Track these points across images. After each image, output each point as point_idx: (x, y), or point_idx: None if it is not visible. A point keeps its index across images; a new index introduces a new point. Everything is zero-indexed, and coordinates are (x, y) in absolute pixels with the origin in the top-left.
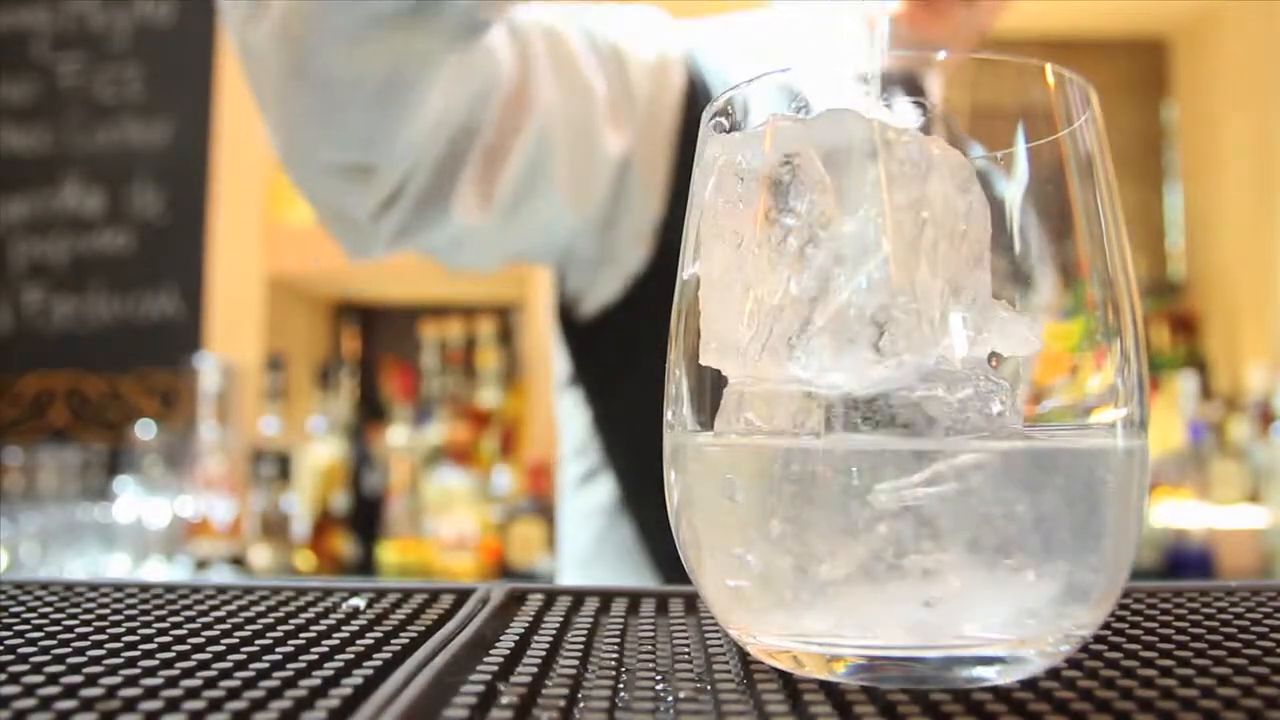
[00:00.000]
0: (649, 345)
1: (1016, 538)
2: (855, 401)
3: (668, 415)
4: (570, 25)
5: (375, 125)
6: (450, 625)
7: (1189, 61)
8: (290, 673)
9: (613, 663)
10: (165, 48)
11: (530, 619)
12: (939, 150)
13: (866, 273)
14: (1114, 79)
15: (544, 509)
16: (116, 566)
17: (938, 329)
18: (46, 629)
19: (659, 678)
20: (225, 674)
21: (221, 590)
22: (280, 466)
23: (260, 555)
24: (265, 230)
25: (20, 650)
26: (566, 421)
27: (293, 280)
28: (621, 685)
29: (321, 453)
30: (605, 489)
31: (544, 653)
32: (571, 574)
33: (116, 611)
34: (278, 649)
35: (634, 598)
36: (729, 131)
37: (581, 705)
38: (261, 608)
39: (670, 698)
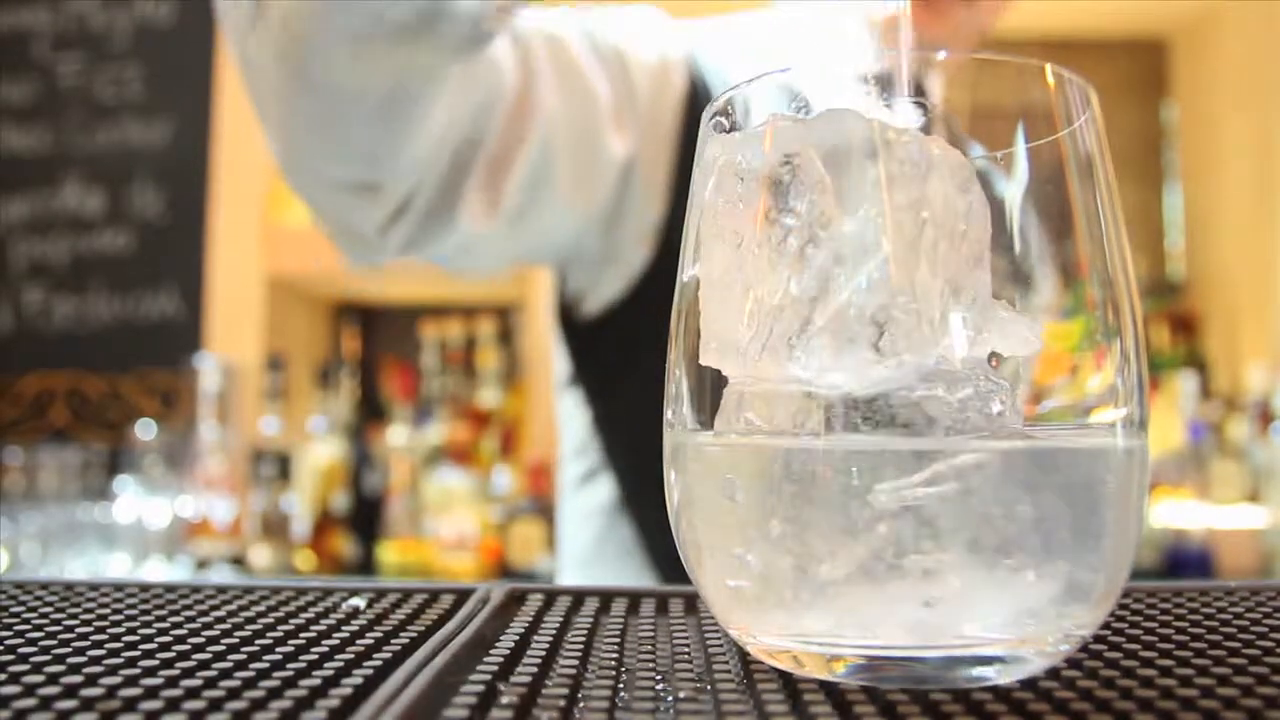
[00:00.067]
0: (649, 345)
1: (1016, 538)
2: (855, 401)
3: (668, 415)
4: (571, 29)
5: (378, 140)
6: (450, 625)
7: (1189, 61)
8: (290, 673)
9: (613, 663)
10: (165, 48)
11: (530, 619)
12: (939, 150)
13: (866, 273)
14: (1114, 79)
15: (544, 509)
16: (117, 566)
17: (938, 329)
18: (47, 629)
19: (659, 678)
20: (225, 674)
21: (221, 590)
22: (280, 466)
23: (260, 555)
24: (265, 230)
25: (20, 650)
26: (566, 421)
27: (293, 280)
28: (621, 685)
29: (321, 453)
30: (605, 489)
31: (544, 653)
32: (571, 574)
33: (116, 611)
34: (278, 649)
35: (634, 598)
36: (729, 131)
37: (581, 705)
38: (261, 608)
39: (670, 698)
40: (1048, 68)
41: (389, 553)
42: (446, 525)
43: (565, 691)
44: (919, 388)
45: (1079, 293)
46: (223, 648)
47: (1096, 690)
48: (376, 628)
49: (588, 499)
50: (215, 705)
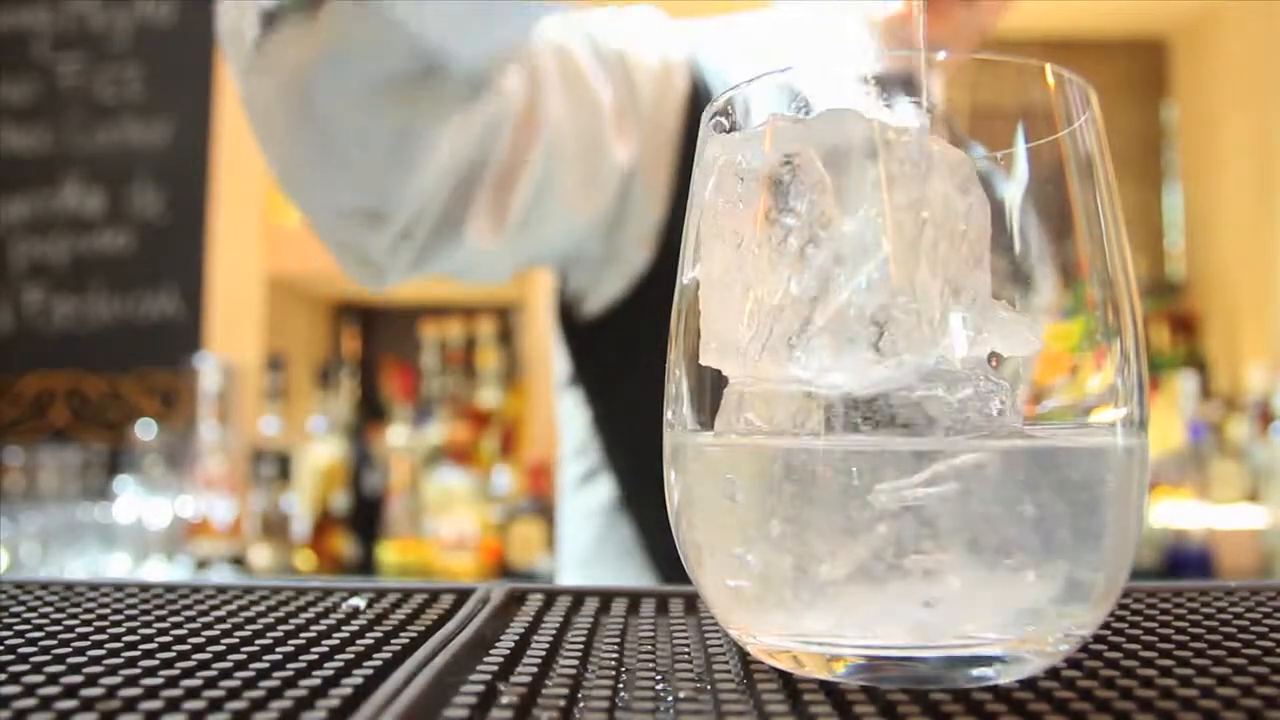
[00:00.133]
0: (650, 345)
1: (1016, 538)
2: (855, 401)
3: (668, 415)
4: (574, 36)
5: (384, 177)
6: (450, 625)
7: (1189, 61)
8: (290, 673)
9: (613, 663)
10: (165, 48)
11: (530, 619)
12: (939, 150)
13: (866, 273)
14: (1114, 79)
15: (544, 509)
16: (117, 566)
17: (938, 329)
18: (47, 629)
19: (659, 678)
20: (225, 674)
21: (221, 590)
22: (280, 466)
23: (260, 555)
24: (265, 230)
25: (20, 650)
26: (566, 421)
27: (293, 280)
28: (621, 685)
29: (321, 453)
30: (605, 489)
31: (544, 653)
32: (571, 574)
33: (116, 611)
34: (278, 649)
35: (634, 598)
36: (729, 131)
37: (581, 705)
38: (261, 608)
39: (670, 698)
40: (1048, 68)
41: (389, 553)
42: (446, 525)
43: (565, 691)
44: (919, 388)
45: (1079, 293)
46: (223, 648)
47: (1096, 690)
48: (376, 628)
49: (588, 499)
50: (215, 705)
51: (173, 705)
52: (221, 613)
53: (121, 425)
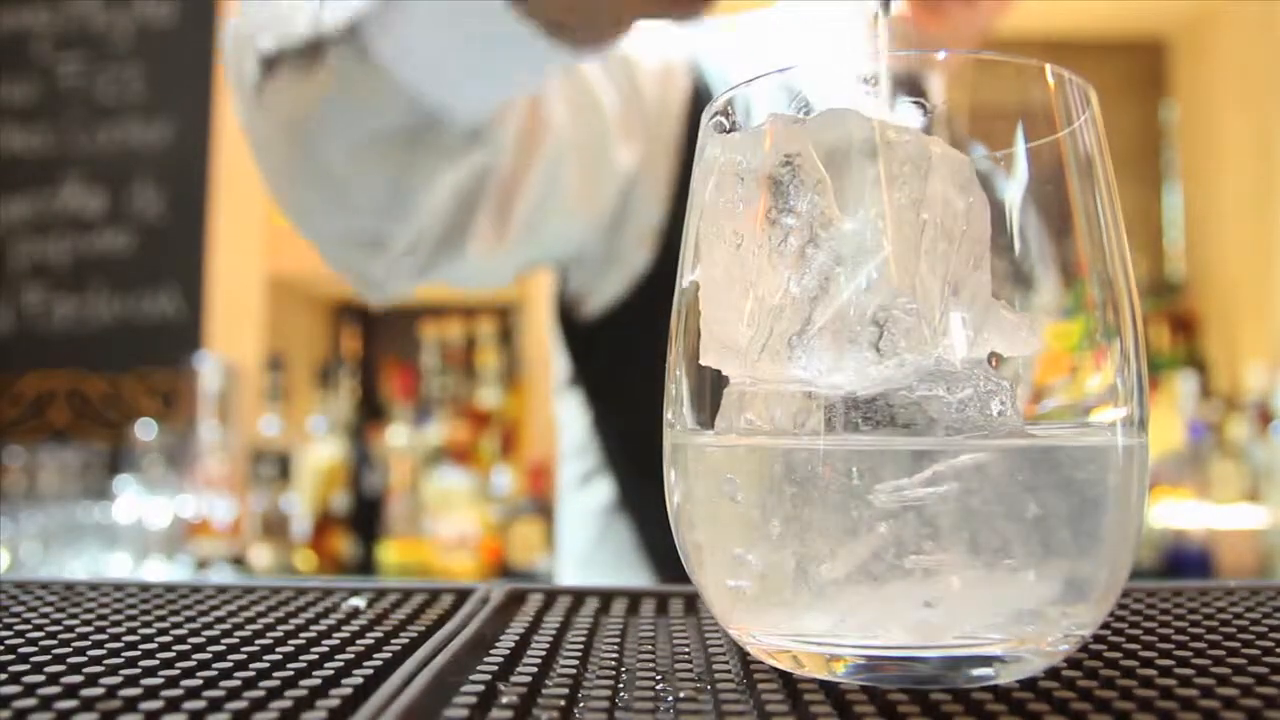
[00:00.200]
0: (650, 346)
1: (1017, 538)
2: (855, 401)
3: (668, 415)
4: None
5: (384, 213)
6: (450, 625)
7: (1188, 61)
8: (290, 673)
9: (613, 663)
10: (166, 48)
11: (530, 619)
12: (939, 150)
13: (866, 273)
14: (1114, 79)
15: (544, 509)
16: (117, 566)
17: (938, 329)
18: (47, 629)
19: (659, 678)
20: (225, 674)
21: (221, 590)
22: (280, 466)
23: (260, 555)
24: (265, 230)
25: (20, 650)
26: (566, 422)
27: (293, 280)
28: (621, 685)
29: (321, 453)
30: (605, 489)
31: (544, 653)
32: (571, 574)
33: (117, 611)
34: (278, 649)
35: (634, 598)
36: (729, 131)
37: (581, 705)
38: (261, 608)
39: (670, 698)
40: (1048, 68)
41: (389, 553)
42: (446, 525)
43: (565, 691)
44: (919, 388)
45: (1079, 293)
46: (223, 648)
47: (1096, 690)
48: (376, 628)
49: (587, 499)
50: (215, 705)
51: (173, 705)
52: (221, 613)
53: (121, 425)
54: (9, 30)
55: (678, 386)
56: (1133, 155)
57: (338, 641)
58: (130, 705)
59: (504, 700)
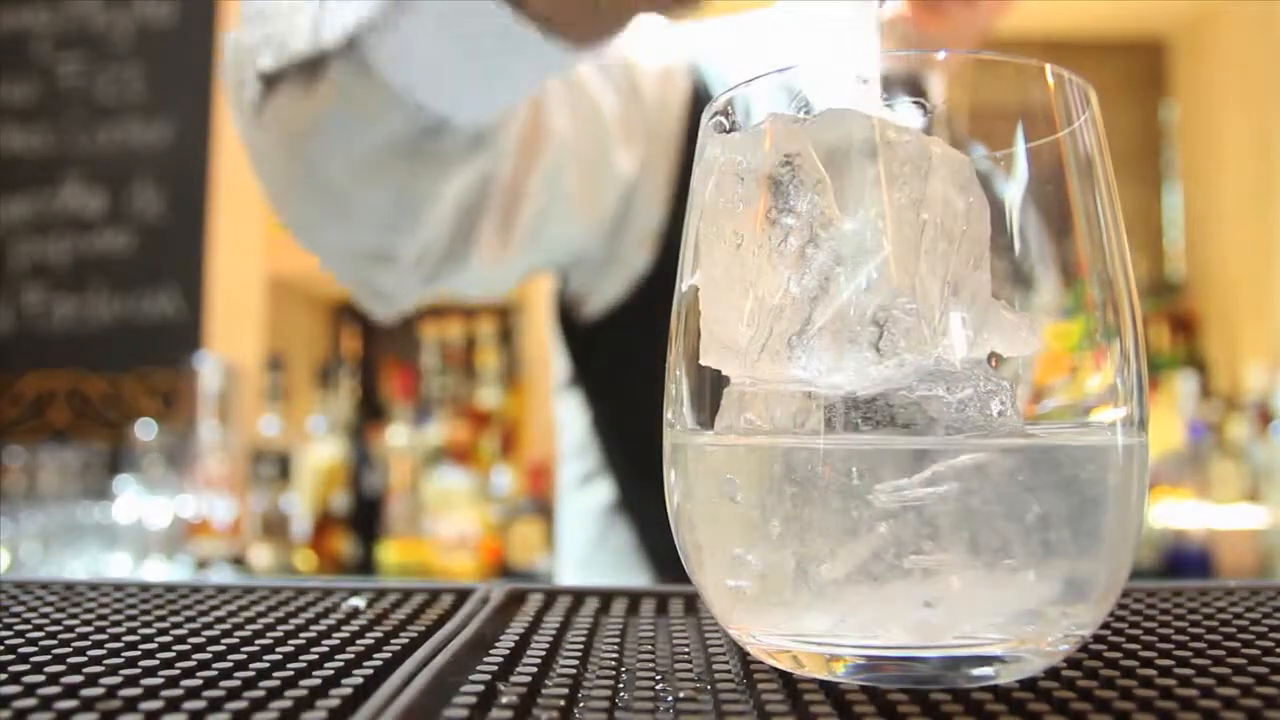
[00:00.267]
0: (650, 346)
1: (1016, 537)
2: (855, 401)
3: (668, 415)
4: None
5: (389, 225)
6: (450, 625)
7: (1188, 61)
8: (290, 673)
9: (613, 663)
10: (166, 48)
11: (530, 619)
12: (939, 150)
13: (866, 273)
14: (1114, 79)
15: (544, 509)
16: (117, 566)
17: (938, 329)
18: (47, 629)
19: (659, 678)
20: (225, 674)
21: (221, 590)
22: (280, 466)
23: (260, 555)
24: (265, 230)
25: (20, 650)
26: (566, 422)
27: (293, 280)
28: (621, 685)
29: (321, 453)
30: (605, 489)
31: (544, 653)
32: (571, 574)
33: (116, 611)
34: (278, 649)
35: (634, 598)
36: (729, 131)
37: (581, 705)
38: (261, 608)
39: (670, 698)
40: (1048, 68)
41: (389, 553)
42: (446, 525)
43: (565, 691)
44: (919, 388)
45: (1079, 293)
46: (223, 648)
47: (1096, 690)
48: (376, 628)
49: (587, 499)
50: (215, 705)
51: (173, 705)
52: (221, 613)
53: (121, 425)
54: (9, 30)
55: (678, 386)
56: (1133, 155)
57: (338, 641)
58: (130, 705)
59: (504, 700)
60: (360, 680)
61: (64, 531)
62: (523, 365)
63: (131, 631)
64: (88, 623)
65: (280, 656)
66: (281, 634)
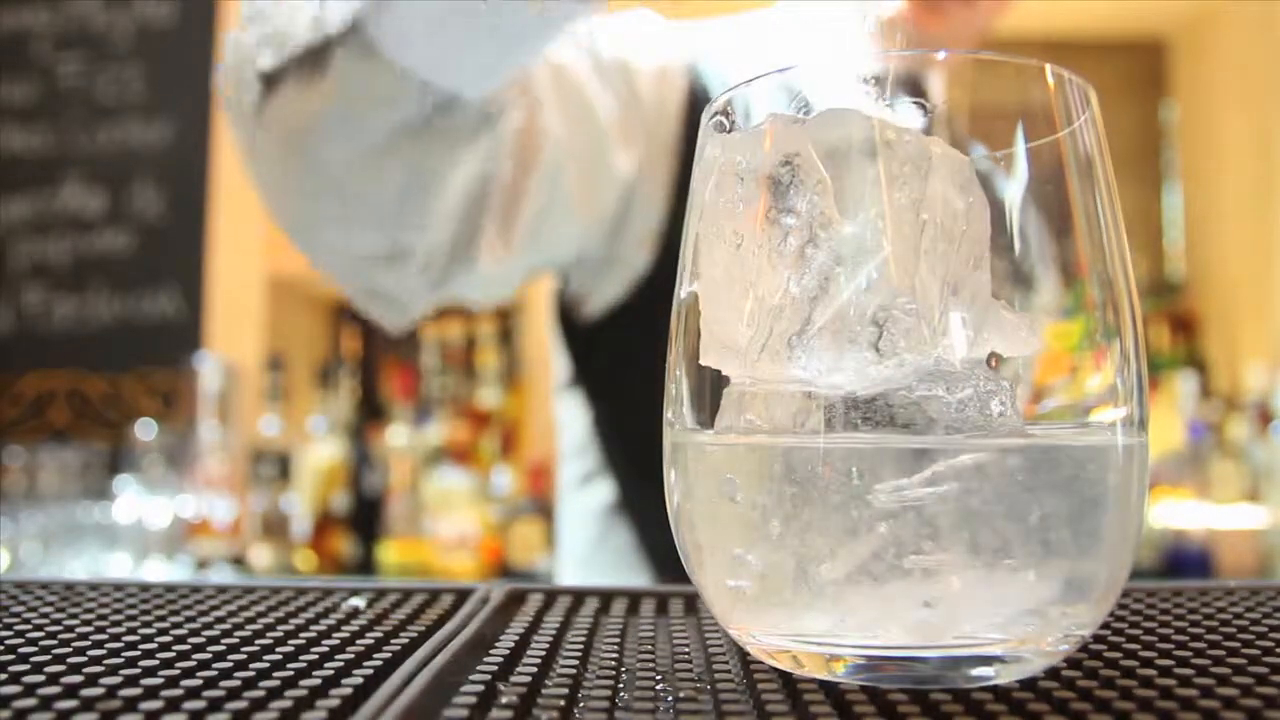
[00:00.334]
0: (650, 346)
1: (1016, 537)
2: (855, 401)
3: (668, 415)
4: (572, 52)
5: (400, 216)
6: (450, 625)
7: (1188, 61)
8: (290, 673)
9: (613, 663)
10: (166, 48)
11: (530, 619)
12: (939, 150)
13: (866, 273)
14: (1114, 79)
15: (544, 509)
16: (117, 566)
17: (937, 329)
18: (47, 629)
19: (659, 678)
20: (225, 674)
21: (221, 590)
22: (280, 466)
23: (260, 555)
24: (265, 230)
25: (20, 650)
26: (566, 422)
27: (293, 280)
28: (621, 685)
29: (321, 453)
30: (605, 489)
31: (544, 653)
32: (571, 574)
33: (116, 611)
34: (278, 649)
35: (634, 598)
36: (729, 131)
37: (581, 705)
38: (261, 608)
39: (670, 698)
40: (1048, 68)
41: (389, 553)
42: (446, 525)
43: (565, 691)
44: (919, 388)
45: (1079, 293)
46: (223, 648)
47: (1096, 690)
48: (376, 628)
49: (588, 499)
50: (215, 705)
51: (173, 705)
52: (221, 613)
53: (121, 425)
54: (9, 30)
55: (678, 386)
56: (1133, 155)
57: (338, 641)
58: (130, 705)
59: (504, 700)
60: (360, 680)
61: (64, 531)
62: (523, 365)
63: (131, 631)
64: (88, 623)
65: (280, 656)
66: (281, 634)
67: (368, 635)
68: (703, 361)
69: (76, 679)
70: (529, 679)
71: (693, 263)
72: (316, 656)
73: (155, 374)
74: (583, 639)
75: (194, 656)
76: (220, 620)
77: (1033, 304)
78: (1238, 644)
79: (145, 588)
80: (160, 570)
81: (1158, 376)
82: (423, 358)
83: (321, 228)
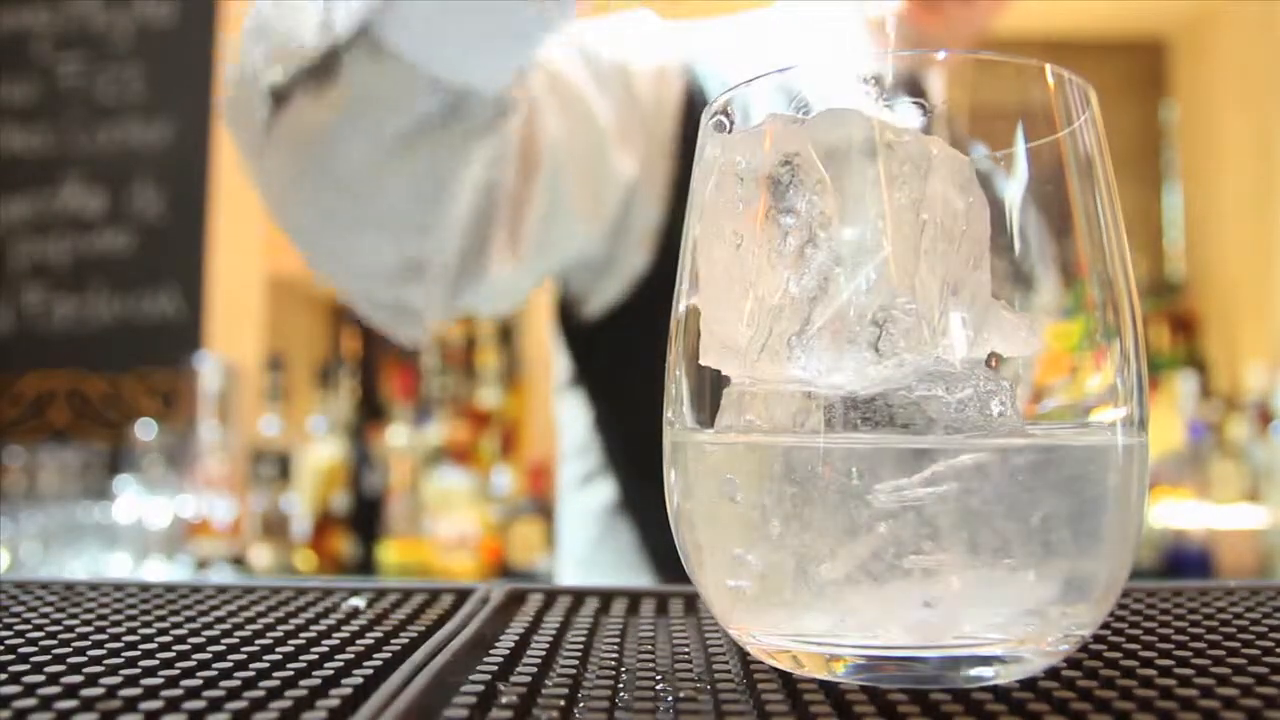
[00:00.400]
0: (650, 346)
1: (1016, 537)
2: (855, 401)
3: (668, 415)
4: (569, 57)
5: (415, 221)
6: (450, 625)
7: (1188, 61)
8: (290, 673)
9: (613, 663)
10: (166, 48)
11: (530, 619)
12: (939, 150)
13: (866, 273)
14: (1114, 79)
15: (544, 509)
16: (117, 566)
17: (937, 329)
18: (47, 629)
19: (659, 678)
20: (225, 674)
21: (221, 590)
22: (280, 466)
23: (260, 555)
24: (265, 230)
25: (21, 650)
26: (567, 422)
27: (293, 280)
28: (621, 685)
29: (321, 453)
30: (605, 489)
31: (544, 653)
32: (571, 574)
33: (117, 611)
34: (278, 649)
35: (634, 598)
36: (728, 131)
37: (581, 705)
38: (261, 608)
39: (670, 698)
40: (1048, 68)
41: (389, 553)
42: (446, 525)
43: (565, 691)
44: (919, 388)
45: (1079, 293)
46: (223, 648)
47: (1096, 690)
48: (376, 628)
49: (588, 499)
50: (215, 705)
51: (173, 705)
52: (221, 613)
53: (121, 425)
54: (9, 30)
55: (678, 386)
56: (1133, 155)
57: (338, 641)
58: (130, 705)
59: (504, 700)
60: (360, 680)
61: (64, 531)
62: (523, 365)
63: (131, 631)
64: (88, 623)
65: (280, 656)
66: (281, 634)
67: (368, 635)
68: (703, 361)
69: (76, 679)
70: (529, 679)
71: (692, 263)
72: (316, 656)
73: (155, 374)
74: (583, 639)
75: (194, 656)
76: (220, 620)
77: (1033, 304)
78: (1238, 644)
79: (145, 588)
80: (160, 570)
81: (1158, 376)
82: (423, 358)
83: (336, 240)
